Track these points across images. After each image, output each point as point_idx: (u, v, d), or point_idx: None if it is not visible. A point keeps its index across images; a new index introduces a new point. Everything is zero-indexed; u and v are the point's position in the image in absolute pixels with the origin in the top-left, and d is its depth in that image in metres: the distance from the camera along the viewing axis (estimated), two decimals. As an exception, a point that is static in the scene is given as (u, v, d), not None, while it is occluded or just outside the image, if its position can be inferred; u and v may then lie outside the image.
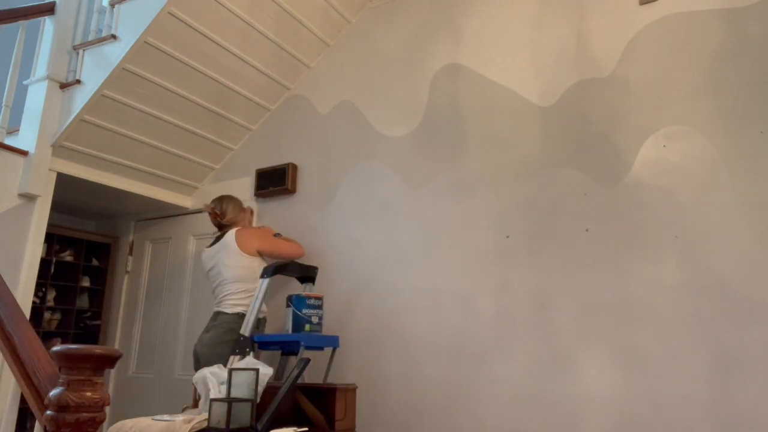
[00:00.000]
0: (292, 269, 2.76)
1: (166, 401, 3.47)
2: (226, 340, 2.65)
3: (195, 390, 2.52)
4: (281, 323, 3.10)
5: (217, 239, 2.93)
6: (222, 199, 3.00)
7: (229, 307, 2.74)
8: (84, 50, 3.00)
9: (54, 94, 3.00)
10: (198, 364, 2.68)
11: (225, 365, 2.55)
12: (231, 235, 2.86)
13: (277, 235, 3.09)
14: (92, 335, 4.00)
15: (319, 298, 2.67)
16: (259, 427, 1.87)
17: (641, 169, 2.30)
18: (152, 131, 3.22)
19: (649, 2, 2.44)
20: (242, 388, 1.98)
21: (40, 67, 3.07)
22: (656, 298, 2.16)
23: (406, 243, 2.82)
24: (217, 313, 2.76)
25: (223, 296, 2.78)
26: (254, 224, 3.33)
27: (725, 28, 2.26)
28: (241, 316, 2.70)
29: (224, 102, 3.31)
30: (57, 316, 3.97)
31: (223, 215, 2.95)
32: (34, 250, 2.94)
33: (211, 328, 2.73)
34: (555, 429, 2.24)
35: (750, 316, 1.98)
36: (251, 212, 3.28)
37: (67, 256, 3.99)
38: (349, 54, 3.35)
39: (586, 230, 2.36)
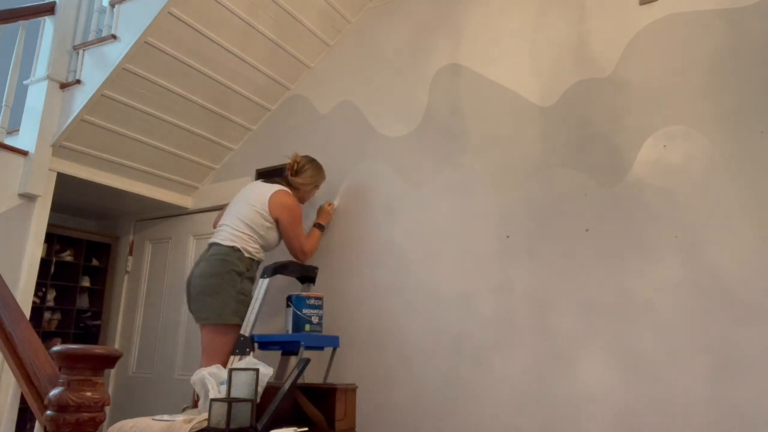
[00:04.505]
0: (292, 269, 2.75)
1: (166, 401, 3.46)
2: (217, 272, 2.58)
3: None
4: (281, 323, 3.10)
5: (271, 182, 2.84)
6: (311, 162, 2.92)
7: (225, 239, 2.65)
8: (84, 50, 3.01)
9: (54, 94, 3.00)
10: (189, 297, 2.64)
11: (216, 297, 2.53)
12: (274, 189, 2.76)
13: (320, 208, 3.03)
14: (92, 335, 4.00)
15: (319, 298, 2.67)
16: (259, 427, 1.87)
17: (641, 169, 2.30)
18: (152, 131, 3.22)
19: (649, 2, 2.44)
20: (242, 388, 1.98)
21: (40, 67, 3.07)
22: (656, 297, 2.16)
23: (406, 243, 2.81)
24: (211, 245, 2.69)
25: (224, 226, 2.71)
26: None
27: (725, 28, 2.26)
28: (234, 250, 2.62)
29: (224, 102, 3.31)
30: (57, 316, 3.97)
31: (297, 173, 2.87)
32: (34, 250, 2.94)
33: (201, 260, 2.67)
34: (555, 429, 2.24)
35: (750, 315, 1.98)
36: (329, 205, 3.08)
37: (67, 256, 3.99)
38: (349, 54, 3.35)
39: (586, 230, 2.36)
